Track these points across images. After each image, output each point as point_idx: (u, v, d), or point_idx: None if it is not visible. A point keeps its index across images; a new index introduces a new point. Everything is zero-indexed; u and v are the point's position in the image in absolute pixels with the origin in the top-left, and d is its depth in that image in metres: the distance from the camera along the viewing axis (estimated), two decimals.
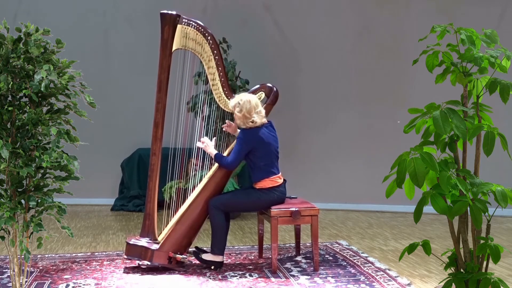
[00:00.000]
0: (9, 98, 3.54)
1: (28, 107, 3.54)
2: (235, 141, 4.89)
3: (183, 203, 4.81)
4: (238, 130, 4.97)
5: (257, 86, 4.98)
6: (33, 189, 3.57)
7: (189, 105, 6.83)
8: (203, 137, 4.85)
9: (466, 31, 3.02)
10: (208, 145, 4.74)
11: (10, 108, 3.47)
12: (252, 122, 4.61)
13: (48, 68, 3.44)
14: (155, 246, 4.59)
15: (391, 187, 2.98)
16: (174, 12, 4.72)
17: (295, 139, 7.61)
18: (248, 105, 4.60)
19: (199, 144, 4.78)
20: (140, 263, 4.64)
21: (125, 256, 4.66)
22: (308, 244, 5.44)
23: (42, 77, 3.40)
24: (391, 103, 7.36)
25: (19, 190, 3.57)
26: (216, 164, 4.82)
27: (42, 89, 3.40)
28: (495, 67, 3.02)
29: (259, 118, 4.63)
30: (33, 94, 3.43)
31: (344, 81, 7.63)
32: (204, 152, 4.88)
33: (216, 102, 4.96)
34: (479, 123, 3.02)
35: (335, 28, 7.62)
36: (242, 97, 4.65)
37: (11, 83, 3.44)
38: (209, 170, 4.90)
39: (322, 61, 7.68)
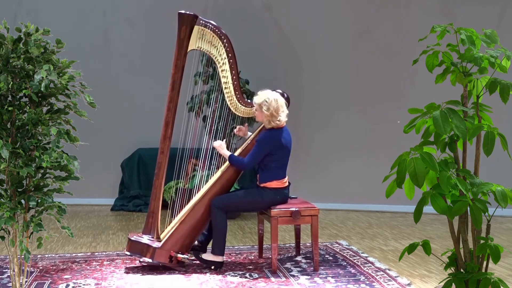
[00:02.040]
0: (9, 98, 3.54)
1: (28, 107, 3.54)
2: (245, 143, 4.89)
3: (186, 203, 4.81)
4: (249, 133, 4.99)
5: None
6: (33, 189, 3.56)
7: (189, 105, 6.83)
8: (212, 138, 4.87)
9: (466, 31, 3.02)
10: (222, 146, 4.76)
11: (10, 108, 3.47)
12: (279, 121, 4.62)
13: (48, 68, 3.44)
14: (157, 244, 4.60)
15: (391, 187, 2.98)
16: (192, 13, 4.72)
17: (295, 139, 7.56)
18: (275, 104, 4.61)
19: (214, 143, 4.79)
20: (141, 260, 4.65)
21: (127, 252, 4.67)
22: (308, 244, 5.44)
23: (42, 77, 3.40)
24: (391, 103, 7.36)
25: (19, 190, 3.56)
26: (223, 167, 4.82)
27: (42, 89, 3.40)
28: (495, 67, 3.01)
29: (284, 118, 4.66)
30: (33, 94, 3.43)
31: (344, 81, 7.63)
32: (205, 152, 4.89)
33: (218, 102, 4.95)
34: (479, 123, 3.02)
35: (335, 28, 7.62)
36: (268, 96, 4.64)
37: (11, 83, 3.44)
38: (210, 170, 4.90)
39: (322, 61, 7.68)
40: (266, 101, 4.60)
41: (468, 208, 2.91)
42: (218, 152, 4.85)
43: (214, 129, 5.22)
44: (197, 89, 6.83)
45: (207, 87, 6.90)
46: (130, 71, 7.99)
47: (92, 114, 3.73)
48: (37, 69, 3.47)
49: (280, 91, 4.97)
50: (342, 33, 7.61)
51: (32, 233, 3.58)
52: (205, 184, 4.83)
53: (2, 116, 3.47)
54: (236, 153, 4.83)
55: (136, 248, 4.62)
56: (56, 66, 3.54)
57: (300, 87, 7.69)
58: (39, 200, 3.54)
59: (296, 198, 4.85)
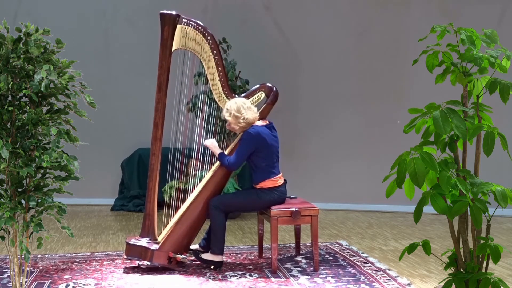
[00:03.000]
0: (9, 98, 3.54)
1: (28, 107, 3.54)
2: (235, 140, 4.90)
3: (183, 203, 4.81)
4: None
5: (257, 86, 4.98)
6: (33, 189, 3.56)
7: (189, 105, 6.83)
8: (203, 137, 4.86)
9: (466, 31, 3.02)
10: (214, 144, 4.78)
11: (10, 108, 3.47)
12: (244, 119, 4.62)
13: (48, 68, 3.44)
14: (155, 246, 4.60)
15: (391, 187, 2.98)
16: (173, 12, 4.72)
17: (295, 139, 7.61)
18: (234, 105, 4.64)
19: (206, 142, 4.80)
20: (140, 263, 4.65)
21: (125, 256, 4.66)
22: (308, 244, 5.44)
23: (42, 77, 3.40)
24: (391, 103, 7.36)
25: (19, 190, 3.56)
26: (216, 164, 4.83)
27: (42, 89, 3.40)
28: (495, 67, 3.01)
29: (251, 114, 4.65)
30: (33, 94, 3.43)
31: (344, 81, 7.63)
32: (204, 152, 4.90)
33: (216, 102, 4.96)
34: (479, 123, 3.02)
35: (335, 28, 7.62)
36: (227, 104, 4.70)
37: (11, 83, 3.44)
38: (209, 170, 4.90)
39: (322, 61, 7.68)
40: (227, 109, 4.67)
41: (468, 208, 2.91)
42: (210, 150, 4.87)
43: (204, 128, 5.23)
44: (197, 89, 6.83)
45: (207, 87, 6.90)
46: (130, 71, 7.99)
47: (92, 114, 3.73)
48: (37, 69, 3.47)
49: (269, 84, 4.98)
50: (342, 33, 7.61)
51: (32, 233, 3.57)
52: (199, 183, 4.83)
53: (2, 116, 3.47)
54: (227, 151, 4.84)
55: (135, 252, 4.62)
56: (56, 66, 3.54)
57: (299, 87, 7.70)
58: (39, 200, 3.54)
59: (296, 198, 4.85)
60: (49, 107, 3.62)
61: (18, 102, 3.53)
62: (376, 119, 7.49)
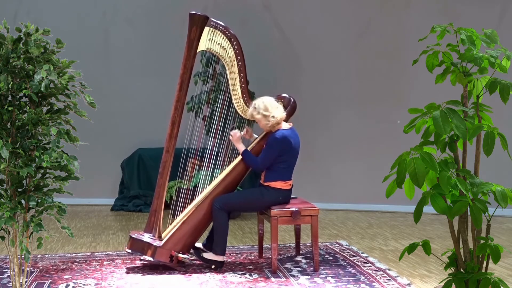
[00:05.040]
0: (9, 98, 3.54)
1: (28, 107, 3.54)
2: (251, 144, 4.88)
3: (188, 203, 4.81)
4: (255, 135, 5.00)
5: (275, 97, 4.94)
6: (33, 189, 3.56)
7: (189, 105, 6.82)
8: (203, 138, 4.87)
9: (466, 31, 3.02)
10: (238, 139, 4.76)
11: (10, 108, 3.47)
12: (273, 117, 4.63)
13: (48, 68, 3.44)
14: (158, 243, 4.60)
15: (391, 187, 2.98)
16: (203, 14, 4.72)
17: None
18: (262, 104, 4.65)
19: (231, 137, 4.79)
20: (142, 258, 4.65)
21: (127, 250, 4.67)
22: (308, 244, 5.44)
23: (42, 77, 3.40)
24: (391, 103, 7.36)
25: (19, 190, 3.56)
26: (228, 168, 4.82)
27: (42, 89, 3.40)
28: (495, 67, 3.01)
29: (279, 112, 4.66)
30: (33, 94, 3.43)
31: (344, 81, 7.63)
32: (203, 152, 4.90)
33: (224, 103, 4.95)
34: (479, 123, 3.02)
35: (335, 28, 7.62)
36: (254, 102, 4.71)
37: (11, 83, 3.44)
38: (212, 170, 4.91)
39: (322, 61, 7.68)
40: (254, 107, 4.67)
41: (468, 208, 2.91)
42: (221, 152, 4.87)
43: (214, 129, 5.22)
44: (197, 89, 6.83)
45: (206, 87, 6.90)
46: (130, 71, 8.00)
47: (92, 114, 3.73)
48: (37, 69, 3.47)
49: (286, 95, 4.98)
50: (342, 33, 7.61)
51: (32, 233, 3.57)
52: (209, 184, 4.83)
53: (2, 116, 3.47)
54: (249, 147, 4.84)
55: (138, 246, 4.63)
56: (56, 66, 3.54)
57: (300, 87, 7.68)
58: (39, 200, 3.54)
59: (296, 198, 4.85)
60: (49, 107, 3.62)
61: (18, 102, 3.53)
62: (376, 119, 7.49)
